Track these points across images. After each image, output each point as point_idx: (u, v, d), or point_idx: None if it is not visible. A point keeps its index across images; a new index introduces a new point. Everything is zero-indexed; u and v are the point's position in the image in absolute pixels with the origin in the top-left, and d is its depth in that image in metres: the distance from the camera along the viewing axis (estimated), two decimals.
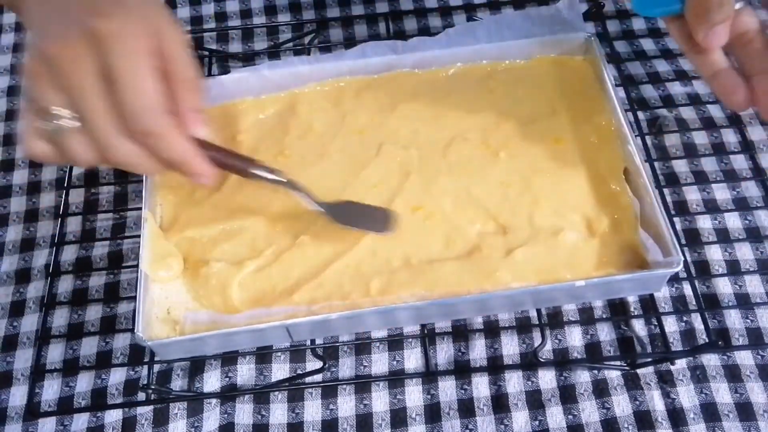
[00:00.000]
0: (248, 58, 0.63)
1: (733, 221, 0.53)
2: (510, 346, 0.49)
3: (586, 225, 0.48)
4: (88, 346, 0.50)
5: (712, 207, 0.53)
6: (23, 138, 0.37)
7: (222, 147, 0.43)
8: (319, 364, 0.48)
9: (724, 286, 0.50)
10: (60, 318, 0.51)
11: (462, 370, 0.48)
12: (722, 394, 0.46)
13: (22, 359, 0.50)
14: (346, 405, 0.47)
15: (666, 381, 0.47)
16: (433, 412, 0.47)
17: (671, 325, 0.49)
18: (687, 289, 0.50)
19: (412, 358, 0.48)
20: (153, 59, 0.36)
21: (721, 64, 0.39)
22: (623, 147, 0.49)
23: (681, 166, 0.55)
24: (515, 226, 0.48)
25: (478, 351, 0.49)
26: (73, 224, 0.55)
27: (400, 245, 0.47)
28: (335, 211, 0.47)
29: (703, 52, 0.39)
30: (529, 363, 0.48)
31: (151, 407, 0.47)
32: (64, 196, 0.54)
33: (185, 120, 0.38)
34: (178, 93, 0.38)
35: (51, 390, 0.48)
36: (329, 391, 0.47)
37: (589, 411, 0.46)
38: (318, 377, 0.48)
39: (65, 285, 0.52)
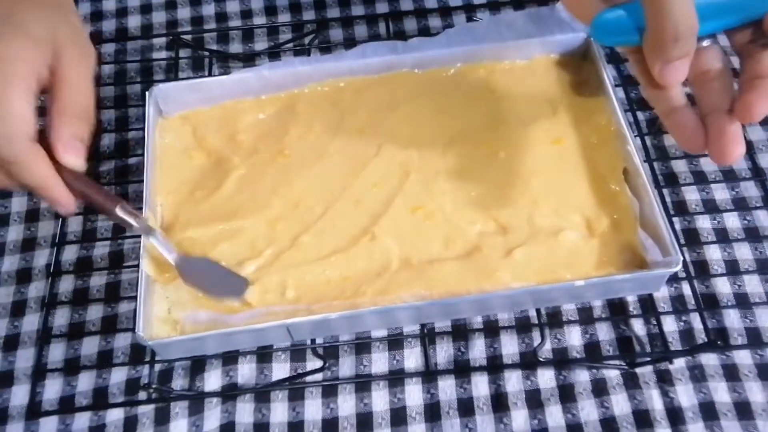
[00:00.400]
0: (249, 59, 0.64)
1: (732, 221, 0.53)
2: (509, 346, 0.49)
3: (585, 225, 0.48)
4: (89, 346, 0.50)
5: (711, 207, 0.54)
6: None
7: (92, 183, 0.43)
8: (319, 364, 0.48)
9: (723, 286, 0.50)
10: (61, 318, 0.51)
11: (462, 369, 0.48)
12: (721, 393, 0.46)
13: (24, 359, 0.50)
14: (346, 404, 0.47)
15: (665, 380, 0.47)
16: (432, 412, 0.47)
17: (670, 325, 0.49)
18: (686, 288, 0.50)
19: (412, 358, 0.49)
20: (33, 84, 0.36)
21: (678, 101, 0.36)
22: (623, 147, 0.49)
23: (680, 166, 0.55)
24: (515, 226, 0.48)
25: (477, 350, 0.49)
26: (74, 224, 0.55)
27: (399, 245, 0.48)
28: (188, 266, 0.45)
29: (660, 87, 0.36)
30: (529, 362, 0.48)
31: (152, 406, 0.47)
32: None
33: (55, 149, 0.39)
34: (55, 120, 0.39)
35: (52, 389, 0.48)
36: (329, 391, 0.48)
37: (588, 410, 0.46)
38: (318, 376, 0.48)
39: (66, 285, 0.52)
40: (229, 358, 0.48)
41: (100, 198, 0.43)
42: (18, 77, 0.36)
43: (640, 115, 0.57)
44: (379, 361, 0.49)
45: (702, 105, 0.36)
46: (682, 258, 0.43)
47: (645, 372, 0.47)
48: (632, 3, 0.35)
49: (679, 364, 0.47)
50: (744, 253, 0.52)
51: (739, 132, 0.34)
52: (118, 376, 0.49)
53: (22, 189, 0.40)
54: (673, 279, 0.50)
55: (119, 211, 0.43)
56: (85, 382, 0.49)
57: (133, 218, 0.44)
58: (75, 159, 0.40)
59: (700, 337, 0.48)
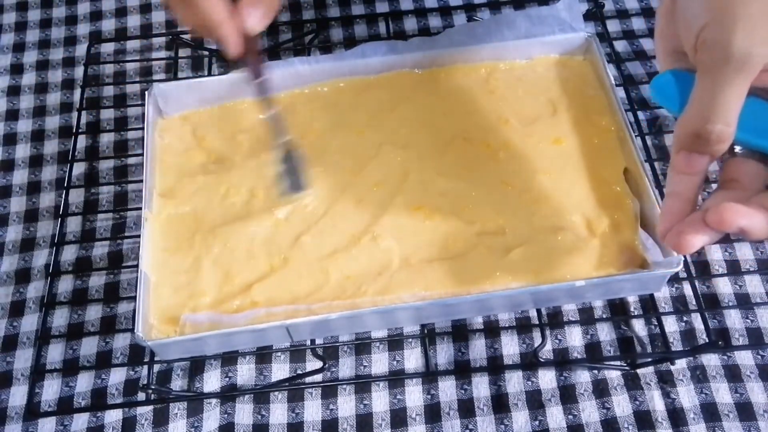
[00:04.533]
0: None
1: None
2: (510, 346, 0.49)
3: (586, 225, 0.48)
4: (88, 346, 0.50)
5: None
6: None
7: (257, 48, 0.47)
8: (319, 364, 0.48)
9: (724, 286, 0.50)
10: (60, 318, 0.51)
11: (462, 370, 0.48)
12: (722, 394, 0.46)
13: (22, 359, 0.50)
14: (346, 405, 0.47)
15: (666, 381, 0.47)
16: (433, 412, 0.47)
17: (671, 325, 0.49)
18: (687, 289, 0.50)
19: (412, 358, 0.48)
20: None
21: (685, 188, 0.34)
22: (623, 147, 0.49)
23: None
24: (515, 226, 0.48)
25: (478, 351, 0.49)
26: (73, 224, 0.55)
27: (399, 245, 0.47)
28: (289, 149, 0.49)
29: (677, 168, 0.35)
30: (529, 363, 0.48)
31: (151, 407, 0.47)
32: (64, 196, 0.54)
33: (245, 7, 0.44)
34: None
35: (51, 390, 0.48)
36: (329, 391, 0.47)
37: (589, 411, 0.46)
38: (318, 377, 0.48)
39: (65, 285, 0.52)
40: (229, 359, 0.48)
41: (255, 63, 0.47)
42: None
43: (641, 115, 0.57)
44: (379, 362, 0.48)
45: (706, 201, 0.34)
46: (682, 258, 0.43)
47: (646, 373, 0.47)
48: (692, 74, 0.33)
49: (681, 364, 0.47)
50: (745, 253, 0.51)
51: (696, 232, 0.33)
52: (116, 376, 0.48)
53: (203, 30, 0.44)
54: (674, 279, 0.50)
55: (259, 81, 0.47)
56: (84, 382, 0.48)
57: (268, 101, 0.48)
58: (255, 21, 0.45)
59: (702, 337, 0.48)
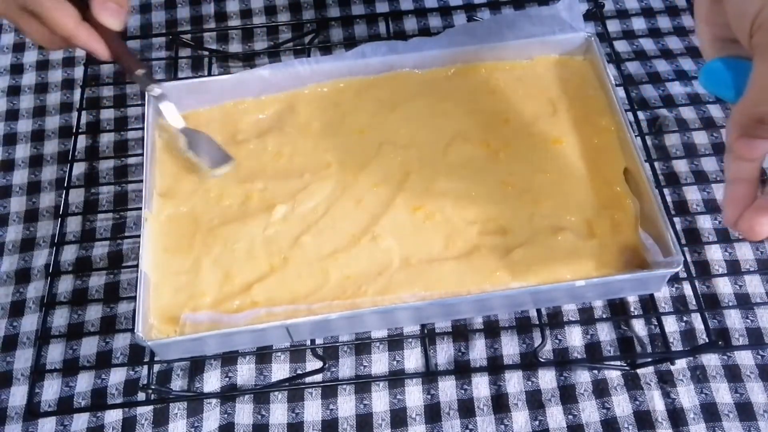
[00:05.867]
0: (248, 58, 0.63)
1: None
2: (510, 346, 0.49)
3: (586, 225, 0.48)
4: (88, 346, 0.50)
5: (712, 207, 0.53)
6: None
7: (124, 44, 0.49)
8: (319, 364, 0.47)
9: (724, 286, 0.50)
10: (60, 318, 0.51)
11: (462, 370, 0.48)
12: (722, 394, 0.46)
13: (22, 359, 0.50)
14: (346, 405, 0.47)
15: (666, 381, 0.47)
16: (433, 412, 0.47)
17: (671, 325, 0.49)
18: (687, 289, 0.50)
19: (412, 358, 0.48)
20: None
21: (746, 173, 0.34)
22: (623, 147, 0.49)
23: (681, 166, 0.55)
24: (515, 226, 0.48)
25: (478, 351, 0.49)
26: (73, 224, 0.55)
27: (399, 245, 0.47)
28: (191, 136, 0.51)
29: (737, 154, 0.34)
30: (529, 363, 0.48)
31: (151, 407, 0.47)
32: (63, 196, 0.54)
33: (93, 7, 0.45)
34: None
35: (51, 390, 0.48)
36: (329, 391, 0.47)
37: (589, 411, 0.46)
38: (318, 377, 0.48)
39: (65, 285, 0.52)
40: (229, 359, 0.48)
41: (128, 58, 0.49)
42: None
43: (641, 115, 0.57)
44: (379, 362, 0.48)
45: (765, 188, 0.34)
46: (683, 258, 0.43)
47: (646, 373, 0.47)
48: (744, 61, 0.33)
49: (681, 364, 0.47)
50: (745, 253, 0.51)
51: None
52: (116, 376, 0.48)
53: (60, 42, 0.45)
54: (674, 279, 0.50)
55: (139, 72, 0.49)
56: (84, 382, 0.48)
57: (153, 84, 0.50)
58: (110, 18, 0.45)
59: (702, 337, 0.48)
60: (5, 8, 0.44)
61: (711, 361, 0.47)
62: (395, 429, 0.46)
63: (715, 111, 0.58)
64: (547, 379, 0.47)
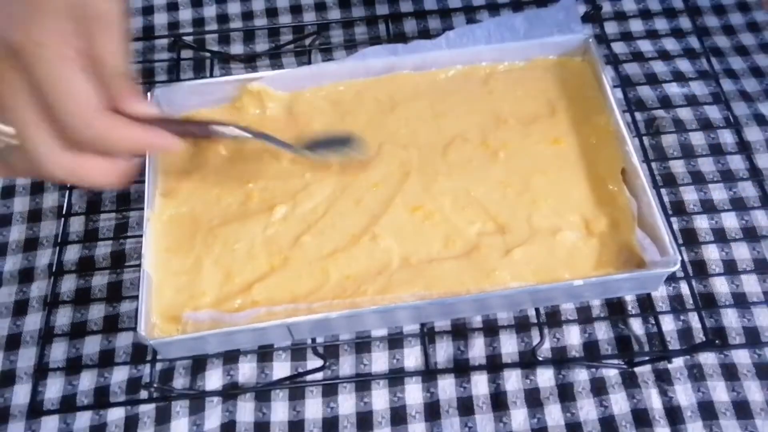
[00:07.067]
0: (250, 60, 0.64)
1: (730, 221, 0.53)
2: (509, 345, 0.49)
3: (584, 225, 0.48)
4: (91, 345, 0.50)
5: (709, 207, 0.54)
6: None
7: (175, 118, 0.43)
8: (319, 363, 0.48)
9: (721, 286, 0.50)
10: (63, 317, 0.51)
11: (461, 368, 0.48)
12: (719, 392, 0.47)
13: (25, 358, 0.50)
14: (346, 403, 0.47)
15: (663, 379, 0.47)
16: (432, 410, 0.47)
17: (668, 324, 0.49)
18: (684, 288, 0.50)
19: (412, 357, 0.49)
20: (81, 60, 0.34)
21: None
22: (621, 147, 0.49)
23: (678, 167, 0.56)
24: (514, 226, 0.48)
25: (477, 350, 0.49)
26: (76, 224, 0.55)
27: (399, 245, 0.48)
28: (311, 147, 0.49)
29: None
30: (528, 361, 0.48)
31: (154, 405, 0.47)
32: (67, 196, 0.55)
33: (125, 106, 0.37)
34: (109, 82, 0.36)
35: (54, 388, 0.49)
36: (330, 390, 0.48)
37: (587, 409, 0.46)
38: (319, 375, 0.48)
39: (68, 284, 0.52)
40: (230, 358, 0.49)
41: (195, 127, 0.45)
42: (67, 58, 0.34)
43: (639, 116, 0.57)
44: (379, 360, 0.49)
45: None
46: (680, 257, 0.43)
47: (644, 371, 0.48)
48: None
49: (678, 363, 0.48)
50: (742, 252, 0.52)
51: None
52: (119, 375, 0.49)
53: (107, 177, 0.39)
54: (672, 278, 0.50)
55: (215, 128, 0.44)
56: (87, 381, 0.49)
57: (227, 127, 0.44)
58: (145, 107, 0.38)
59: (699, 336, 0.48)
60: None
61: (708, 359, 0.48)
62: (395, 427, 0.46)
63: (711, 112, 0.58)
64: (545, 378, 0.48)
